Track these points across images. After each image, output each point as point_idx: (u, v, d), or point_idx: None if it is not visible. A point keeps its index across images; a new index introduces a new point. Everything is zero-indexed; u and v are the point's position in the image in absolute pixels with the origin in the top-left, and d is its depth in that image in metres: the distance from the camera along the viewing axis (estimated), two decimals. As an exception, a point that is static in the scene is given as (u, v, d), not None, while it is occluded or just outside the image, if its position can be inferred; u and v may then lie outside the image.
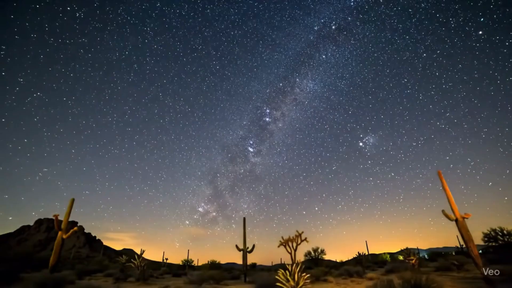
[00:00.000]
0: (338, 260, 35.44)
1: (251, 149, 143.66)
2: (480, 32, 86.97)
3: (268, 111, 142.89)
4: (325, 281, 12.89)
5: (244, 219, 16.01)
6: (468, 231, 10.86)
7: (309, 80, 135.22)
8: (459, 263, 14.85)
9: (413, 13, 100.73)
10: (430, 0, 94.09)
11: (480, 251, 29.05)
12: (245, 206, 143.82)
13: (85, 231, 77.39)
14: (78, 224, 78.00)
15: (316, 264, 25.68)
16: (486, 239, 28.05)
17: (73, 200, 13.82)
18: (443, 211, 11.48)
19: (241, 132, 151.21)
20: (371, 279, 12.38)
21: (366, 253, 30.83)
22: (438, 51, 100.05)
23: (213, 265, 24.48)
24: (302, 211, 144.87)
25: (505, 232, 25.33)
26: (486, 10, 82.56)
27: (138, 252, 16.20)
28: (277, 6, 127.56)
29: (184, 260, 34.12)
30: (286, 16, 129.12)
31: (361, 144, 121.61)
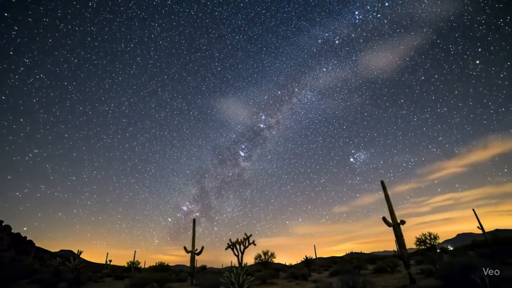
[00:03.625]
0: (287, 263, 36.51)
1: (242, 153, 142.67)
2: (478, 62, 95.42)
3: (263, 117, 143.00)
4: (272, 283, 13.06)
5: (194, 220, 15.44)
6: (402, 236, 11.96)
7: (307, 91, 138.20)
8: (393, 265, 16.29)
9: (415, 37, 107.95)
10: (432, 26, 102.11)
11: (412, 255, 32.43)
12: (230, 209, 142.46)
13: (12, 231, 67.57)
14: (4, 224, 67.94)
15: (265, 267, 25.98)
16: (418, 242, 31.53)
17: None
18: (383, 218, 12.40)
19: (234, 135, 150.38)
20: (314, 281, 12.87)
21: (314, 257, 32.20)
22: (436, 76, 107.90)
23: (160, 267, 23.21)
24: (286, 220, 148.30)
25: (432, 236, 28.79)
26: (484, 41, 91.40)
27: (95, 255, 14.61)
28: (284, 16, 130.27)
29: (130, 261, 31.87)
30: (292, 26, 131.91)
31: (352, 159, 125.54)
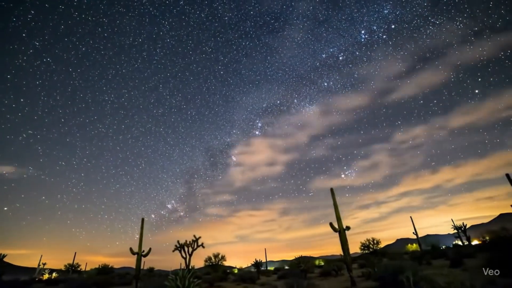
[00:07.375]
0: (238, 266, 36.64)
1: (234, 158, 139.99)
2: (477, 91, 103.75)
3: (260, 124, 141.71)
4: (219, 286, 12.93)
5: (142, 220, 14.55)
6: (346, 241, 12.79)
7: (306, 103, 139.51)
8: (338, 269, 17.33)
9: (418, 60, 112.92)
10: (434, 51, 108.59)
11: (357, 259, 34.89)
12: (215, 213, 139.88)
13: None
14: None
15: (215, 269, 25.74)
16: (362, 247, 34.08)
17: None
18: (330, 223, 13.12)
19: (228, 139, 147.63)
20: (262, 284, 13.09)
21: (264, 260, 32.72)
22: (435, 101, 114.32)
23: (103, 270, 21.39)
24: (268, 227, 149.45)
25: (375, 241, 31.42)
26: (485, 72, 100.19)
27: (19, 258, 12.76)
28: (292, 28, 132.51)
29: (68, 264, 28.84)
30: (298, 39, 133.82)
31: (343, 175, 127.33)
